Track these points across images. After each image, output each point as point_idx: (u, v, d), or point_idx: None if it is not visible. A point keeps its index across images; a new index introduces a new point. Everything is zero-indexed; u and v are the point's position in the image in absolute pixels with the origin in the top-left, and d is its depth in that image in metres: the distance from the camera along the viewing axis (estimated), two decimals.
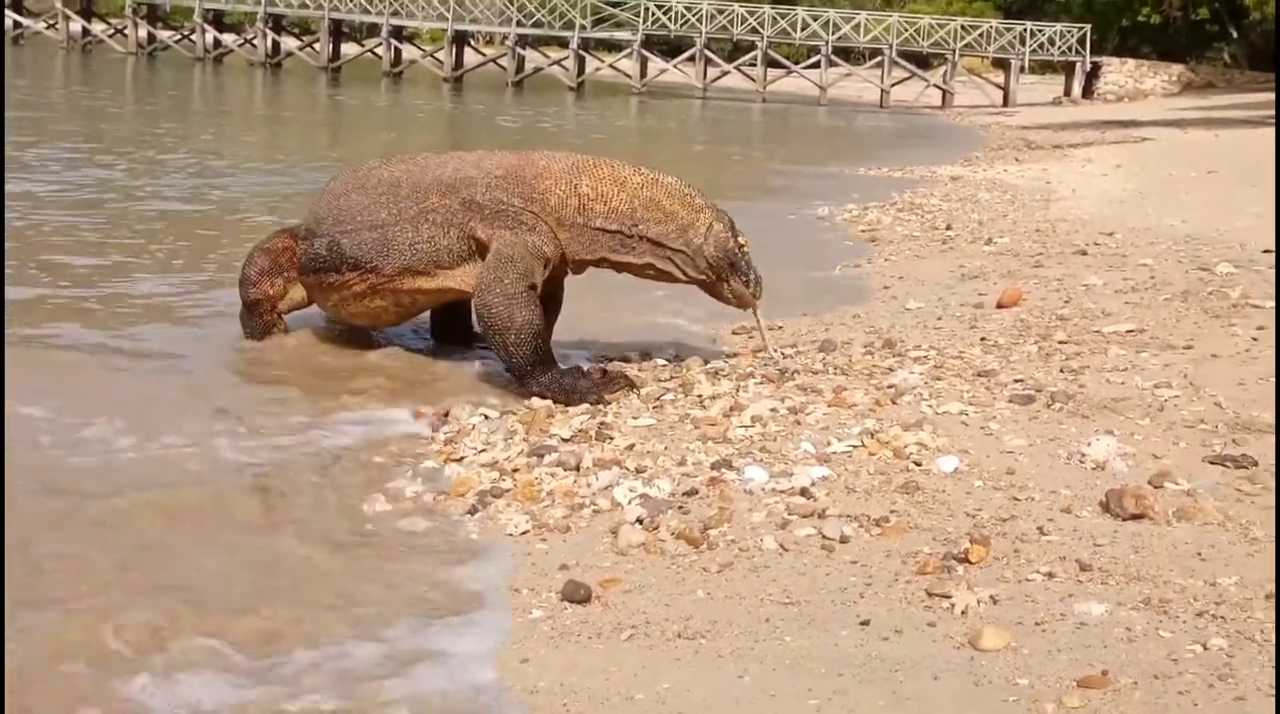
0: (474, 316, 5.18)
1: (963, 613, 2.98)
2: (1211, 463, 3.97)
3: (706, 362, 5.47)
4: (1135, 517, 3.50)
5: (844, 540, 3.44)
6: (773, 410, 4.61)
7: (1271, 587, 3.03)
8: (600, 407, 4.77)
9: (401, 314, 5.43)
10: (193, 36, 47.94)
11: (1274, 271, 7.47)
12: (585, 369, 5.12)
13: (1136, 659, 2.72)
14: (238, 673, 2.78)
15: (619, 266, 5.25)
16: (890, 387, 4.85)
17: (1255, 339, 5.67)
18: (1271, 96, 34.23)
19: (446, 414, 4.75)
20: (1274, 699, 2.51)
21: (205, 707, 2.65)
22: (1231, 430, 4.30)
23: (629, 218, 5.07)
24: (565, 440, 4.38)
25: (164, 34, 48.87)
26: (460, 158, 5.26)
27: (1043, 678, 2.66)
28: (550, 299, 5.30)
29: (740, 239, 5.20)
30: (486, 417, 4.73)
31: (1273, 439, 4.22)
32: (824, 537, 3.46)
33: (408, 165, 5.27)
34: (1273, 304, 6.45)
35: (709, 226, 5.13)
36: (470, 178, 5.07)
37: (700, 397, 4.85)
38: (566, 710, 2.61)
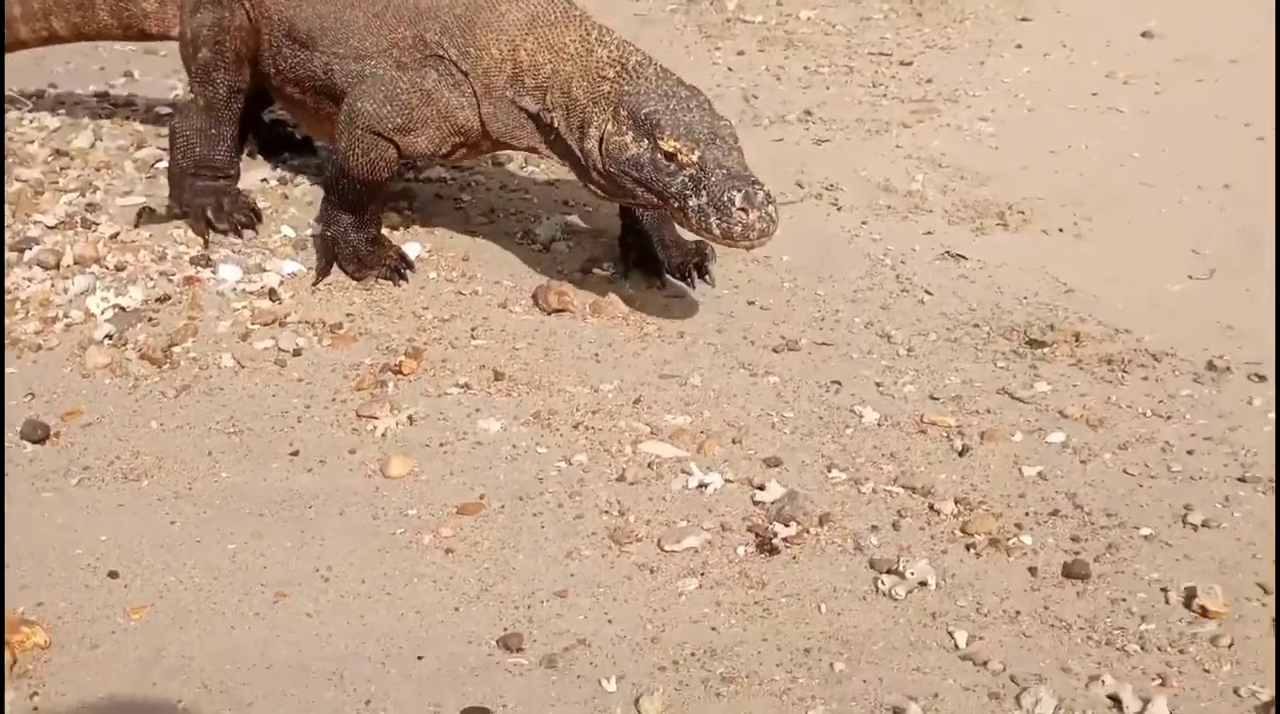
0: None
1: (383, 436, 3.21)
2: None
3: None
4: (558, 311, 3.84)
5: (297, 353, 3.57)
6: (263, 180, 4.61)
7: (638, 392, 3.49)
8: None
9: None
10: None
11: None
12: None
13: (511, 480, 3.04)
14: None
15: (545, 151, 3.97)
16: None
17: (731, 69, 6.10)
18: None
19: None
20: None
21: None
22: None
23: (543, 97, 3.85)
24: (51, 228, 4.17)
25: None
26: None
27: (430, 506, 2.94)
28: None
29: (668, 145, 3.54)
30: None
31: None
32: (279, 350, 3.57)
33: None
34: (762, 19, 6.89)
35: (602, 127, 3.69)
36: (435, 9, 4.00)
37: None
38: None
